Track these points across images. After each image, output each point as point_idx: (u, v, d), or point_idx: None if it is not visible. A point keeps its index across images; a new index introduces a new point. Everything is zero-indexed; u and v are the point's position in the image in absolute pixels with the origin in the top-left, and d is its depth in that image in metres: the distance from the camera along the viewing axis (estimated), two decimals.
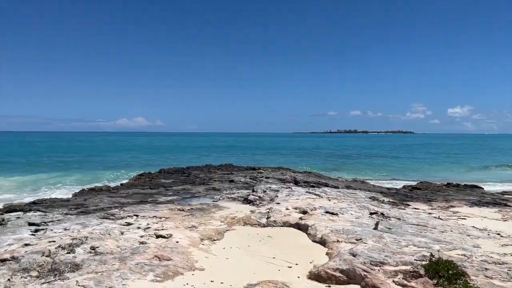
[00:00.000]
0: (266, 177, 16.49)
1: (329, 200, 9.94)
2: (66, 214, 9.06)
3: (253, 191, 11.75)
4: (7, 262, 5.07)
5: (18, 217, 8.69)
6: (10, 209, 9.95)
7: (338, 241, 6.12)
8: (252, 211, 8.93)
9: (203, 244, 6.29)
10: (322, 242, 6.31)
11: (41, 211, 9.44)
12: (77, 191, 14.78)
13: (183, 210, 9.41)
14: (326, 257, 5.64)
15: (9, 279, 4.52)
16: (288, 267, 5.26)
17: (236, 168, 22.72)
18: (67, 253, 5.33)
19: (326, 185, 14.15)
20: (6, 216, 8.87)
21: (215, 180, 16.24)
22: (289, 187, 12.52)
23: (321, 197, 10.47)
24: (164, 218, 8.22)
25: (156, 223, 7.66)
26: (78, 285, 4.16)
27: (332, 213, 8.01)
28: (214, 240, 6.64)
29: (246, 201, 10.82)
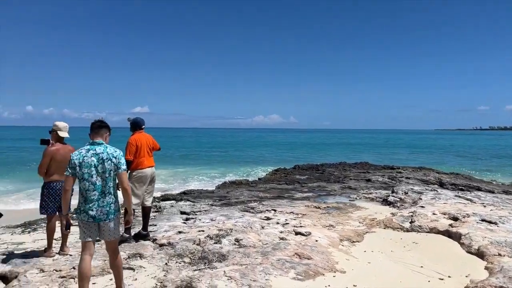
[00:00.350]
0: (407, 178, 15.46)
1: (484, 206, 8.79)
2: (212, 205, 9.75)
3: (392, 192, 11.07)
4: (164, 247, 5.64)
5: (172, 206, 9.67)
6: (165, 197, 11.19)
7: (500, 254, 5.33)
8: (393, 214, 8.39)
9: (342, 245, 6.10)
10: (480, 254, 5.57)
11: (190, 201, 10.35)
12: (220, 183, 15.93)
13: (319, 207, 9.32)
14: (484, 272, 4.95)
15: (166, 263, 5.00)
16: (440, 279, 4.75)
17: (372, 166, 21.84)
18: (214, 243, 5.68)
19: (479, 189, 12.61)
20: (162, 204, 9.98)
21: (350, 179, 15.82)
22: (434, 190, 11.47)
23: (474, 202, 9.33)
24: (301, 215, 8.24)
25: (294, 219, 7.72)
26: (226, 275, 4.37)
27: (490, 222, 7.03)
28: (354, 241, 6.39)
29: (385, 202, 10.22)
